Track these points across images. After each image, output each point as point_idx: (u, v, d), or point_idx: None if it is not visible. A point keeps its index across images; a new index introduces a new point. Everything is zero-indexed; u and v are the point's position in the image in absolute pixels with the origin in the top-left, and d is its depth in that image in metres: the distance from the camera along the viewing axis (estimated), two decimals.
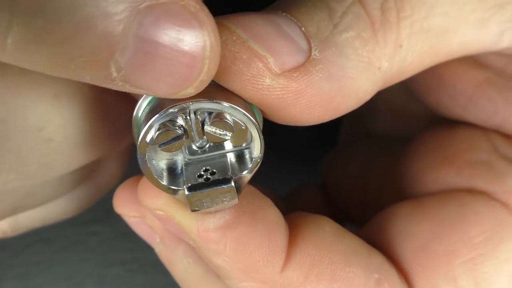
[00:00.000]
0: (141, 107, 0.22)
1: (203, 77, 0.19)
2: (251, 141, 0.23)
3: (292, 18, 0.22)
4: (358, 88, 0.22)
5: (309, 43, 0.21)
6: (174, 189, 0.23)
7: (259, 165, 0.23)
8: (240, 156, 0.23)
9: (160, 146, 0.21)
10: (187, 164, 0.23)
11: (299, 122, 0.22)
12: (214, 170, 0.23)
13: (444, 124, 0.30)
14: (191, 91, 0.19)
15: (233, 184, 0.22)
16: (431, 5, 0.23)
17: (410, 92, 0.32)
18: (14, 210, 0.27)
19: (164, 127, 0.21)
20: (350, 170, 0.36)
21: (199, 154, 0.23)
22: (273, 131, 0.27)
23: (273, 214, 0.24)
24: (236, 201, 0.23)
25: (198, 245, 0.24)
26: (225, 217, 0.23)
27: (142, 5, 0.17)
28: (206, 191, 0.22)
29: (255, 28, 0.21)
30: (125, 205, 0.28)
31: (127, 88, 0.19)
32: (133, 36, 0.18)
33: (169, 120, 0.21)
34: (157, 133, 0.21)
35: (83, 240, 0.45)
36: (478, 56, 0.27)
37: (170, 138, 0.21)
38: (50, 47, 0.18)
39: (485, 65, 0.28)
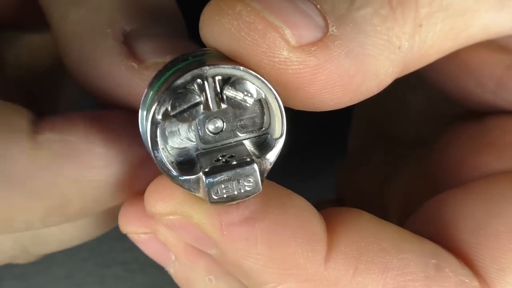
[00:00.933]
0: (148, 96, 0.21)
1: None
2: (269, 124, 0.22)
3: None
4: (378, 67, 0.21)
5: (325, 19, 0.21)
6: (189, 179, 0.21)
7: (281, 147, 0.21)
8: (259, 143, 0.22)
9: (176, 116, 0.20)
10: (201, 154, 0.22)
11: (317, 105, 0.22)
12: (233, 154, 0.21)
13: (469, 117, 0.30)
14: None
15: (256, 166, 0.21)
16: None
17: (427, 91, 0.32)
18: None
19: (178, 94, 0.20)
20: (369, 181, 0.34)
21: (214, 142, 0.22)
22: None
23: (302, 201, 0.23)
24: (259, 187, 0.21)
25: (223, 248, 0.22)
26: (251, 206, 0.21)
27: None
28: (227, 173, 0.21)
29: (270, 1, 0.21)
30: (133, 222, 0.26)
31: None
32: None
33: (184, 89, 0.20)
34: (171, 101, 0.20)
35: None
36: (501, 40, 0.26)
37: (187, 105, 0.20)
38: None
39: (509, 49, 0.27)
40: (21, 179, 0.22)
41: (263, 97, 0.21)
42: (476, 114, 0.30)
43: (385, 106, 0.24)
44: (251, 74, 0.20)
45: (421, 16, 0.22)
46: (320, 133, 0.42)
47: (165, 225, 0.24)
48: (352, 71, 0.21)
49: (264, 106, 0.22)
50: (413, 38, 0.22)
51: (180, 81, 0.20)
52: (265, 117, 0.22)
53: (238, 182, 0.21)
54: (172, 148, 0.22)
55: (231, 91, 0.20)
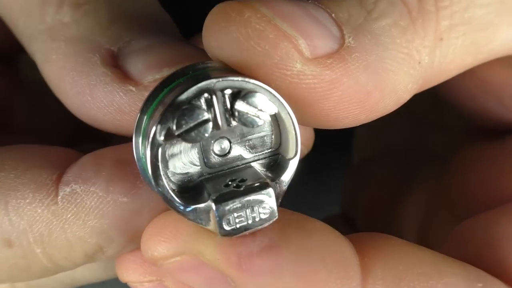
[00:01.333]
0: (142, 120, 0.20)
1: None
2: (280, 143, 0.20)
3: (319, 4, 0.20)
4: (397, 83, 0.20)
5: (341, 29, 0.20)
6: (195, 208, 0.18)
7: (295, 168, 0.19)
8: (269, 165, 0.20)
9: (181, 135, 0.18)
10: (207, 180, 0.20)
11: (331, 122, 0.20)
12: (244, 178, 0.19)
13: (486, 135, 0.28)
14: None
15: (271, 190, 0.18)
16: None
17: (436, 102, 0.31)
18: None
19: (184, 111, 0.18)
20: (379, 197, 0.33)
21: (220, 166, 0.20)
22: None
23: (324, 224, 0.21)
24: (276, 214, 0.19)
25: (243, 285, 0.19)
26: (269, 234, 0.19)
27: None
28: (239, 200, 0.18)
29: (282, 8, 0.19)
30: (134, 269, 0.23)
31: None
32: None
33: (189, 104, 0.18)
34: (176, 118, 0.18)
35: None
36: None
37: (194, 123, 0.18)
38: None
39: None
40: (51, 235, 0.22)
41: (276, 112, 0.19)
42: (494, 131, 0.29)
43: (389, 115, 0.23)
44: (263, 87, 0.19)
45: (442, 29, 0.21)
46: (324, 137, 0.42)
47: (170, 270, 0.21)
48: (370, 87, 0.20)
49: (274, 123, 0.20)
50: (433, 52, 0.21)
51: (185, 96, 0.18)
52: (274, 136, 0.20)
53: (252, 210, 0.18)
54: (174, 174, 0.20)
55: (243, 106, 0.18)
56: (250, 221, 0.18)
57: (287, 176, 0.20)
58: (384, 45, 0.20)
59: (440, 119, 0.32)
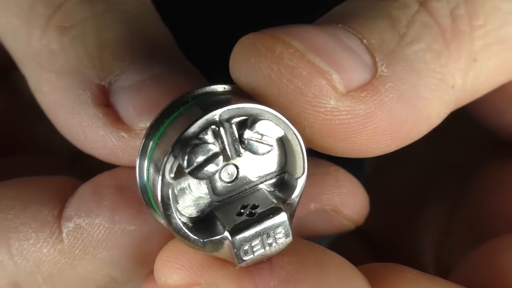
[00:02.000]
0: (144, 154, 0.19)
1: None
2: (286, 162, 0.20)
3: (350, 29, 0.19)
4: (431, 110, 0.19)
5: (373, 57, 0.19)
6: (210, 240, 0.18)
7: (303, 186, 0.19)
8: (276, 185, 0.20)
9: (192, 172, 0.17)
10: (217, 208, 0.19)
11: (363, 153, 0.20)
12: (256, 204, 0.19)
13: (506, 156, 0.28)
14: None
15: (285, 214, 0.18)
16: (507, 12, 0.20)
17: (455, 116, 0.31)
18: None
19: (193, 147, 0.17)
20: (395, 208, 0.32)
21: (229, 192, 0.19)
22: None
23: (341, 258, 0.20)
24: (290, 237, 0.19)
25: None
26: (286, 267, 0.19)
27: None
28: (255, 228, 0.18)
29: (313, 40, 0.18)
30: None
31: None
32: None
33: (197, 139, 0.17)
34: (186, 156, 0.17)
35: None
36: None
37: (204, 158, 0.17)
38: None
39: None
40: (61, 273, 0.22)
41: (283, 135, 0.19)
42: None
43: None
44: (269, 111, 0.18)
45: (476, 49, 0.20)
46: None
47: None
48: (404, 117, 0.19)
49: (279, 144, 0.20)
50: (467, 75, 0.20)
51: (192, 130, 0.18)
52: (279, 156, 0.20)
53: (268, 236, 0.18)
54: (184, 207, 0.19)
55: (251, 134, 0.18)
56: (267, 248, 0.18)
57: (296, 195, 0.19)
58: (417, 71, 0.19)
59: (459, 133, 0.31)
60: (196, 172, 0.17)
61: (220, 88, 0.19)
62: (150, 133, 0.19)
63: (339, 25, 0.19)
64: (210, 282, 0.19)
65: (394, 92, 0.18)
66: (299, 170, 0.19)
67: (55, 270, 0.21)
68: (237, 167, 0.20)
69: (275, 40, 0.18)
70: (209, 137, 0.18)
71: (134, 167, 0.20)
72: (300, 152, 0.19)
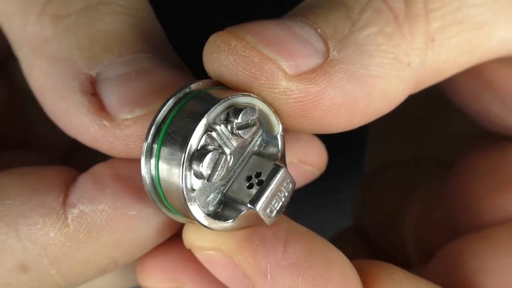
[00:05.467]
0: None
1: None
2: (260, 126, 0.22)
3: (307, 21, 0.21)
4: (386, 87, 0.21)
5: (326, 44, 0.21)
6: (239, 216, 0.21)
7: (283, 139, 0.22)
8: (261, 147, 0.22)
9: (209, 177, 0.20)
10: (227, 192, 0.22)
11: (325, 128, 0.22)
12: (258, 171, 0.22)
13: (488, 144, 0.29)
14: None
15: (284, 169, 0.21)
16: None
17: (444, 109, 0.31)
18: None
19: (202, 157, 0.20)
20: (387, 203, 0.34)
21: (228, 174, 0.22)
22: None
23: (344, 257, 0.22)
24: (294, 182, 0.21)
25: None
26: (297, 252, 0.21)
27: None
28: (269, 192, 0.21)
29: (265, 33, 0.21)
30: (156, 275, 0.25)
31: None
32: None
33: (204, 150, 0.20)
34: (202, 164, 0.20)
35: None
36: None
37: (215, 160, 0.20)
38: None
39: None
40: (66, 256, 0.23)
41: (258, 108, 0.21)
42: (498, 137, 0.29)
43: (396, 126, 0.24)
44: (239, 96, 0.21)
45: (434, 30, 0.21)
46: (341, 151, 0.42)
47: (202, 259, 0.23)
48: (357, 93, 0.21)
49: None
50: (424, 53, 0.21)
51: (194, 142, 0.20)
52: (257, 124, 0.22)
53: (280, 191, 0.21)
54: (204, 205, 0.21)
55: (238, 124, 0.21)
56: (283, 200, 0.21)
57: (282, 148, 0.22)
58: (368, 53, 0.21)
59: (448, 126, 0.33)
60: (210, 177, 0.20)
61: (197, 85, 0.21)
62: (152, 134, 0.21)
63: (298, 18, 0.21)
64: (230, 250, 0.22)
65: (344, 72, 0.20)
66: (276, 128, 0.22)
67: (61, 253, 0.22)
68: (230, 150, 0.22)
69: (231, 35, 0.20)
70: (207, 140, 0.20)
71: (139, 167, 0.21)
72: (271, 112, 0.21)
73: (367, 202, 0.36)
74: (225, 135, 0.21)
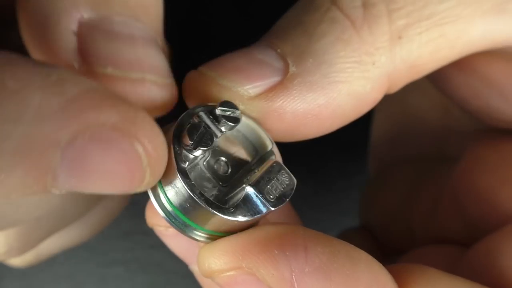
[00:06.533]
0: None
1: (148, 180, 0.19)
2: (254, 148, 0.23)
3: (270, 44, 0.22)
4: (352, 89, 0.22)
5: (285, 61, 0.22)
6: (239, 204, 0.21)
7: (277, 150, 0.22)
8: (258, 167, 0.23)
9: (196, 145, 0.21)
10: (233, 182, 0.22)
11: (298, 136, 0.22)
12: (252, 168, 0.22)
13: (497, 136, 0.29)
14: (143, 188, 0.19)
15: (278, 162, 0.22)
16: None
17: (446, 107, 0.31)
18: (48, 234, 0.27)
19: (188, 129, 0.21)
20: (393, 202, 0.33)
21: (230, 178, 0.22)
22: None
23: (369, 256, 0.21)
24: (293, 179, 0.22)
25: None
26: (320, 256, 0.20)
27: (63, 140, 0.17)
28: (266, 176, 0.21)
29: (225, 65, 0.22)
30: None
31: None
32: (64, 168, 0.17)
33: (188, 124, 0.21)
34: (187, 135, 0.21)
35: None
36: None
37: (198, 134, 0.21)
38: None
39: None
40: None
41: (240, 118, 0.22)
42: (502, 131, 0.29)
43: (400, 125, 0.24)
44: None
45: (399, 28, 0.22)
46: (340, 150, 0.42)
47: (224, 283, 0.21)
48: (320, 101, 0.21)
49: (243, 140, 0.23)
50: (392, 51, 0.22)
51: (180, 123, 0.21)
52: (248, 148, 0.23)
53: (277, 179, 0.21)
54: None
55: (221, 111, 0.21)
56: (282, 188, 0.21)
57: (279, 158, 0.22)
58: (327, 62, 0.21)
59: (454, 124, 0.32)
60: (197, 144, 0.21)
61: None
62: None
63: (263, 43, 0.22)
64: (251, 266, 0.20)
65: (303, 84, 0.21)
66: (267, 142, 0.22)
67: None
68: (227, 164, 0.23)
69: (197, 73, 0.22)
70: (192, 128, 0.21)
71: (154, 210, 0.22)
72: (258, 128, 0.22)
73: (374, 200, 0.36)
74: (208, 119, 0.21)
